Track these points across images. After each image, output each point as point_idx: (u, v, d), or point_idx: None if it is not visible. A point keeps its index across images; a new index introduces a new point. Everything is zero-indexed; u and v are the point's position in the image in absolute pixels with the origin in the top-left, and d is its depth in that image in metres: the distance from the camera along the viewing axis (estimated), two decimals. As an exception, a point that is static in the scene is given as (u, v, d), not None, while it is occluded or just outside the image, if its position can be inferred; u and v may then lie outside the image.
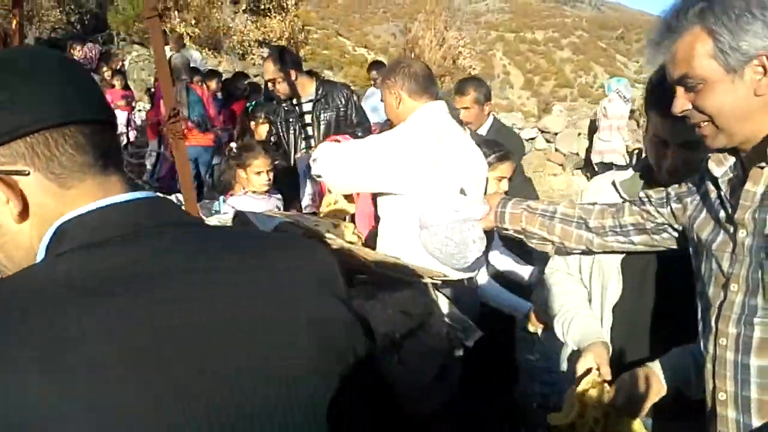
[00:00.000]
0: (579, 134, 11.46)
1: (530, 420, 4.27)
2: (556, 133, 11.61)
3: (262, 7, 20.32)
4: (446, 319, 2.58)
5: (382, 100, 2.93)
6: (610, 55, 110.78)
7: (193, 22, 18.60)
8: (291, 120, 4.40)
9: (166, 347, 0.76)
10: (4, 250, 0.90)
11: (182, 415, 0.74)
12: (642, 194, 1.87)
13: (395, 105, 2.78)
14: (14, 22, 4.36)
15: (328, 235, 2.47)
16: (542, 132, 11.79)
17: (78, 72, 0.92)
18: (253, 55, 19.50)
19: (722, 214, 1.52)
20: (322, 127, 4.25)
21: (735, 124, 1.41)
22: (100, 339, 0.72)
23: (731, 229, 1.48)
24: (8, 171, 0.83)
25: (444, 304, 2.60)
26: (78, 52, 10.59)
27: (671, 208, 1.75)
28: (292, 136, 4.38)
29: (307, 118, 4.35)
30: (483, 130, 3.90)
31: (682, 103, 1.45)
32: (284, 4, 20.58)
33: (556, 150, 11.59)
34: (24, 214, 0.85)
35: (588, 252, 2.01)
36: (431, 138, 2.62)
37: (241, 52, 19.41)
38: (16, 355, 0.70)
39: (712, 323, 1.52)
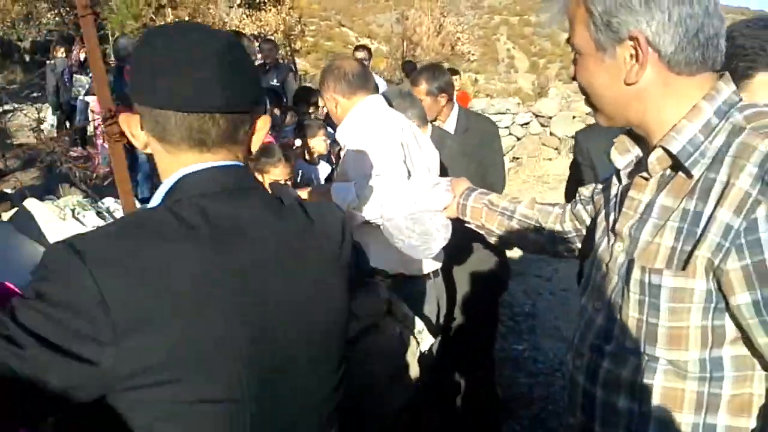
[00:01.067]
0: (574, 117, 11.33)
1: (515, 411, 4.24)
2: (550, 117, 11.49)
3: (258, 1, 20.23)
4: (399, 321, 2.53)
5: None
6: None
7: (187, 18, 18.54)
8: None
9: (244, 278, 1.06)
10: None
11: (243, 329, 1.05)
12: (578, 193, 1.75)
13: (334, 109, 2.79)
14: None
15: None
16: (537, 116, 11.66)
17: (236, 64, 1.12)
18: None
19: (611, 217, 1.39)
20: None
21: (608, 107, 1.27)
22: (195, 267, 1.01)
23: (612, 239, 1.35)
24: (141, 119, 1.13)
25: (398, 305, 2.56)
26: (60, 54, 10.55)
27: (593, 205, 1.64)
28: None
29: None
30: (451, 122, 3.82)
31: (572, 69, 1.31)
32: (280, -2, 20.52)
33: (551, 134, 11.47)
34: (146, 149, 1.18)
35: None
36: (374, 128, 2.60)
37: (237, 46, 19.35)
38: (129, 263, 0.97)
39: (574, 338, 1.44)
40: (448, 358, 3.47)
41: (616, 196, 1.39)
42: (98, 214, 3.03)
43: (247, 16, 19.76)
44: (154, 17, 18.22)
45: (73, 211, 2.94)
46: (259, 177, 3.39)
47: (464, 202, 1.94)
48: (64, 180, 5.26)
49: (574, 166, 3.18)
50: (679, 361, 1.18)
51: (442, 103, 3.70)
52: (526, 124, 11.66)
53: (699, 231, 1.12)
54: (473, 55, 23.07)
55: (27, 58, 18.91)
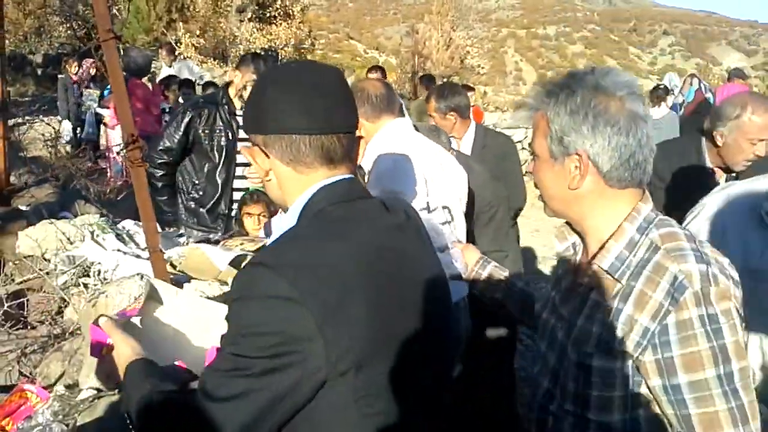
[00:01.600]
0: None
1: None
2: (562, 132, 11.42)
3: (268, 14, 20.33)
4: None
5: None
6: (623, 48, 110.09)
7: (198, 32, 18.64)
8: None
9: (383, 271, 1.24)
10: (270, 187, 1.38)
11: (390, 319, 1.22)
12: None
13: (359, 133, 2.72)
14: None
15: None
16: (548, 131, 11.61)
17: (346, 91, 1.35)
18: (260, 62, 19.49)
19: (556, 298, 1.68)
20: None
21: (553, 203, 1.57)
22: (347, 262, 1.18)
23: (555, 318, 1.64)
24: (262, 149, 1.32)
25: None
26: (73, 68, 10.61)
27: None
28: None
29: None
30: (468, 139, 3.80)
31: (530, 165, 1.64)
32: (290, 11, 20.62)
33: (563, 149, 11.41)
34: (269, 177, 1.34)
35: None
36: (401, 151, 2.54)
37: (247, 60, 19.42)
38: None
39: (528, 396, 1.71)
40: (466, 377, 3.41)
41: (559, 276, 1.70)
42: (118, 236, 3.00)
43: (257, 30, 19.84)
44: (165, 31, 18.33)
45: (92, 233, 2.92)
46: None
47: (479, 271, 2.14)
48: (78, 196, 5.24)
49: None
50: (607, 422, 1.48)
51: (452, 120, 3.70)
52: (537, 138, 11.60)
53: (623, 327, 1.42)
54: (482, 68, 23.11)
55: (39, 71, 18.98)
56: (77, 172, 5.40)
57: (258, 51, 19.17)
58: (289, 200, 1.32)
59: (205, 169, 3.92)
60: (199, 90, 10.58)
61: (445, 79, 19.15)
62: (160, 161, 3.89)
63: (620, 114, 1.44)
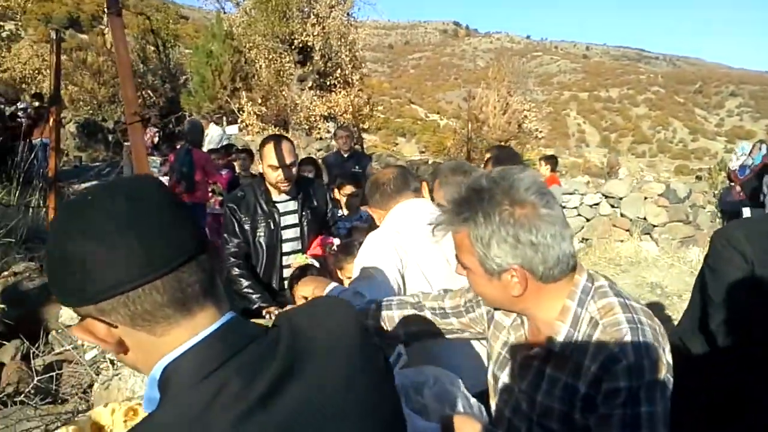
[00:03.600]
0: (645, 198, 10.99)
1: None
2: (621, 198, 11.18)
3: (328, 83, 20.90)
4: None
5: None
6: (689, 109, 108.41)
7: (260, 100, 19.27)
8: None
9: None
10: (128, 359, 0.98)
11: None
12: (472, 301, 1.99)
13: (378, 223, 2.75)
14: (51, 120, 4.55)
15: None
16: (606, 197, 11.37)
17: (174, 210, 0.96)
18: (319, 129, 19.98)
19: (513, 370, 1.76)
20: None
21: (496, 306, 1.73)
22: None
23: (515, 389, 1.75)
24: (99, 319, 0.92)
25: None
26: (155, 138, 11.14)
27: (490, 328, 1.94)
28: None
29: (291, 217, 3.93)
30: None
31: (458, 267, 1.68)
32: (349, 80, 21.14)
33: (622, 215, 11.13)
34: (124, 349, 0.96)
35: None
36: (391, 240, 2.53)
37: (307, 126, 19.92)
38: None
39: None
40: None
41: (509, 346, 1.79)
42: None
43: (317, 98, 20.39)
44: (229, 99, 19.05)
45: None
46: (338, 273, 3.37)
47: None
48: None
49: (718, 272, 2.59)
50: None
51: None
52: (596, 204, 11.37)
53: (572, 399, 1.55)
54: (541, 132, 23.03)
55: (110, 137, 19.96)
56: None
57: (317, 117, 19.72)
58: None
59: (252, 261, 3.82)
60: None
61: (501, 142, 19.17)
62: (233, 264, 3.73)
63: (537, 220, 1.50)
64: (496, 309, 1.83)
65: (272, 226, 3.80)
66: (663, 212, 10.88)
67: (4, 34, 22.20)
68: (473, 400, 1.92)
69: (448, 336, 2.06)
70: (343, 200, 5.58)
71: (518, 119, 20.85)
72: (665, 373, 1.51)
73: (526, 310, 1.65)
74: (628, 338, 1.50)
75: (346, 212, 5.53)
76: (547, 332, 1.63)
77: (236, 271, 3.69)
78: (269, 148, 3.62)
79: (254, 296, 3.59)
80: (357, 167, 7.98)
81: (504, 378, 1.81)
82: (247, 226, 3.76)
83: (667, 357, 1.54)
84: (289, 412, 0.94)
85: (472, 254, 1.57)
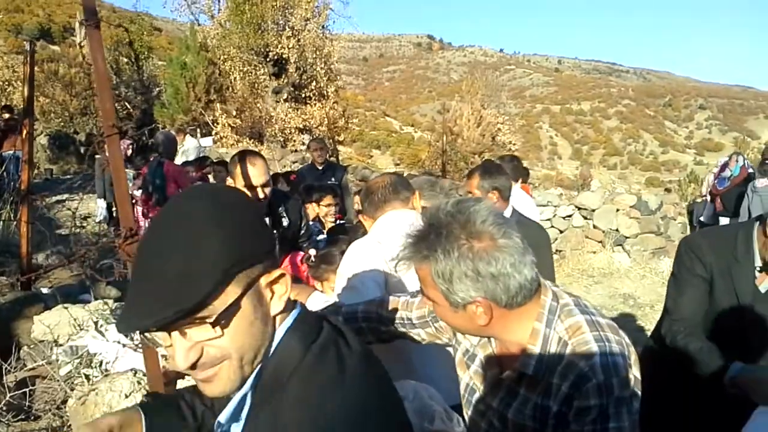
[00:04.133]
0: (617, 210, 11.13)
1: None
2: (593, 210, 11.31)
3: (303, 95, 20.88)
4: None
5: None
6: (659, 122, 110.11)
7: (235, 113, 19.19)
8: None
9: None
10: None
11: None
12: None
13: (368, 230, 2.74)
14: (24, 132, 4.49)
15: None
16: (579, 209, 11.50)
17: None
18: (294, 141, 19.92)
19: (485, 390, 1.82)
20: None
21: (466, 333, 1.78)
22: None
23: (490, 410, 1.78)
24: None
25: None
26: (128, 151, 11.02)
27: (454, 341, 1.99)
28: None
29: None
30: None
31: (424, 300, 1.74)
32: (324, 92, 21.14)
33: (594, 227, 11.26)
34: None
35: None
36: (375, 250, 2.54)
37: (282, 138, 19.86)
38: None
39: None
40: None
41: (480, 363, 1.82)
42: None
43: (292, 110, 20.35)
44: (203, 111, 18.93)
45: (95, 323, 2.91)
46: (318, 284, 3.28)
47: None
48: (104, 275, 5.29)
49: (678, 278, 2.73)
50: None
51: (493, 200, 3.62)
52: (569, 216, 11.50)
53: (545, 417, 1.61)
54: (514, 144, 23.19)
55: (81, 149, 19.70)
56: (100, 252, 5.46)
57: (292, 129, 19.67)
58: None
59: None
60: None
61: (476, 156, 19.28)
62: None
63: (496, 251, 1.54)
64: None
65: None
66: (635, 224, 11.03)
67: (-27, 45, 21.80)
68: (453, 414, 1.93)
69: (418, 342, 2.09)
70: (323, 212, 5.60)
71: (492, 132, 20.96)
72: (632, 388, 1.56)
73: (495, 335, 1.70)
74: (597, 357, 1.54)
75: (327, 225, 5.54)
76: (517, 354, 1.67)
77: None
78: (242, 166, 3.55)
79: None
80: (333, 179, 7.97)
81: (475, 394, 1.85)
82: None
83: (634, 372, 1.58)
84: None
85: (435, 288, 1.61)
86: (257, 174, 3.54)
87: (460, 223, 1.57)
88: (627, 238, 11.03)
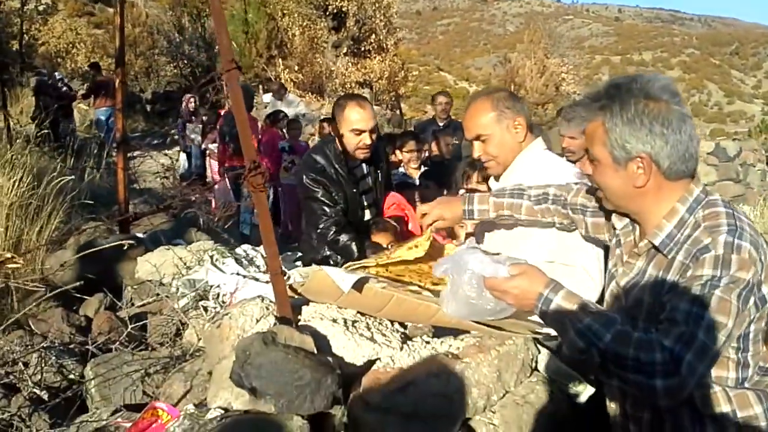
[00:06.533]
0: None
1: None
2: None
3: (363, 49, 20.75)
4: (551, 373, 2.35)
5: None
6: (725, 72, 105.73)
7: (296, 68, 19.23)
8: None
9: None
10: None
11: None
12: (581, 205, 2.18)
13: (519, 133, 2.64)
14: (117, 81, 4.60)
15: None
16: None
17: None
18: (355, 95, 19.86)
19: (618, 269, 1.90)
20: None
21: (616, 200, 1.79)
22: None
23: (616, 286, 1.88)
24: None
25: (545, 358, 2.37)
26: (191, 104, 11.27)
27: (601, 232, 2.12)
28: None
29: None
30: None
31: (587, 167, 1.86)
32: (384, 45, 20.96)
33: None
34: None
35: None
36: None
37: (343, 93, 19.86)
38: None
39: None
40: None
41: (618, 243, 1.93)
42: (237, 260, 3.07)
43: (352, 65, 20.28)
44: (265, 67, 19.03)
45: (211, 257, 3.00)
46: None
47: (470, 207, 2.36)
48: (190, 224, 5.46)
49: None
50: None
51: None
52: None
53: (661, 290, 1.66)
54: (579, 95, 22.70)
55: (147, 108, 20.11)
56: (187, 202, 5.62)
57: (353, 83, 19.63)
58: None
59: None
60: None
61: (539, 107, 18.96)
62: (332, 233, 3.43)
63: (670, 115, 1.63)
64: (612, 212, 1.94)
65: (354, 195, 3.58)
66: (713, 171, 10.74)
67: (40, 8, 22.32)
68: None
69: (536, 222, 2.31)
70: (405, 158, 5.61)
71: (556, 82, 20.57)
72: (755, 276, 1.54)
73: (641, 208, 1.76)
74: (723, 235, 1.57)
75: (410, 171, 5.56)
76: (652, 231, 1.73)
77: (345, 237, 3.41)
78: (351, 111, 3.38)
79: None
80: (454, 138, 7.36)
81: (613, 279, 1.92)
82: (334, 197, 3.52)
83: (760, 268, 1.56)
84: None
85: (603, 144, 1.70)
86: (367, 118, 3.37)
87: (639, 85, 1.66)
88: (705, 185, 10.72)
